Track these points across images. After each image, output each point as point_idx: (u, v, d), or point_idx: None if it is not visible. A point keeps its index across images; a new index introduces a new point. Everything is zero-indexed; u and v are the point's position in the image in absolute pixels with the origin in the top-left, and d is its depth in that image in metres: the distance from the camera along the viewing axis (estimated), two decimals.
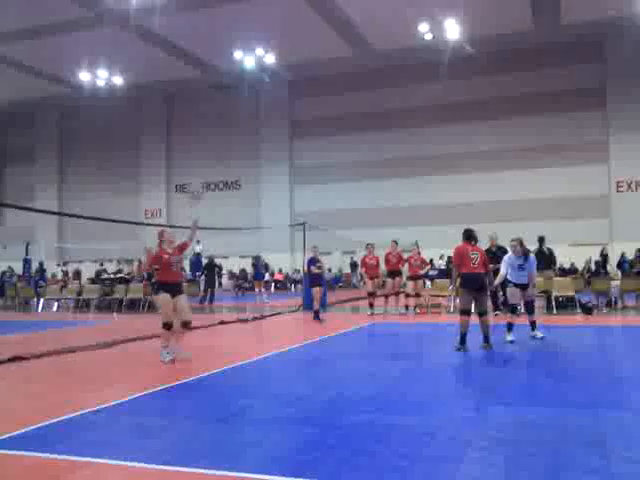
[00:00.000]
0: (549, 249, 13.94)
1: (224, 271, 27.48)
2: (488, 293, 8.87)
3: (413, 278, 13.88)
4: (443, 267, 20.00)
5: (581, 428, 4.31)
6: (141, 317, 15.37)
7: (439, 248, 23.50)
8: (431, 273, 16.30)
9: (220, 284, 25.65)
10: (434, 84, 26.12)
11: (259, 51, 24.91)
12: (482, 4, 20.96)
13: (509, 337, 8.56)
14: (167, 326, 7.44)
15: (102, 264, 24.12)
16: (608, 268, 16.21)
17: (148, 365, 7.62)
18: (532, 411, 4.82)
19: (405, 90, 27.37)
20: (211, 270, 17.78)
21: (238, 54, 25.07)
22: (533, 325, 8.97)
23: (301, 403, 5.29)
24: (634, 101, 24.21)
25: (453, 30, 22.77)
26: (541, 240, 13.76)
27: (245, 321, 12.74)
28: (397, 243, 14.11)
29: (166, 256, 7.54)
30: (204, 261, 18.98)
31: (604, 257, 17.08)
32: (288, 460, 3.80)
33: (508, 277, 8.74)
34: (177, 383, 6.24)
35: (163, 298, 7.46)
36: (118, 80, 28.15)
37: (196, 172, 31.66)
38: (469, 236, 8.21)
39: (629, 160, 24.36)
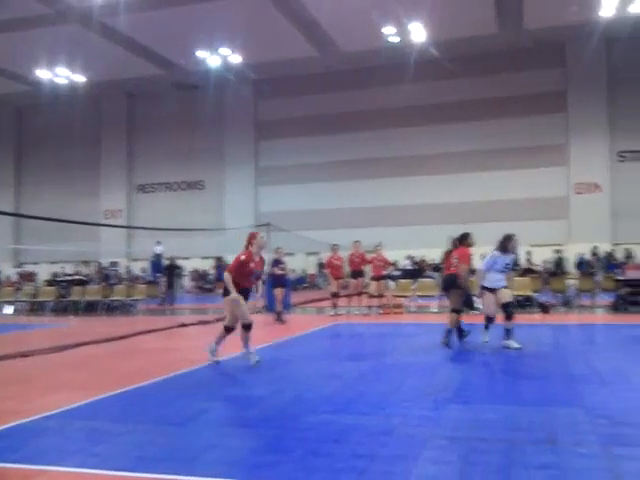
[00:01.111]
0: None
1: (186, 272, 27.18)
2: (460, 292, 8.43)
3: (376, 278, 13.97)
4: (409, 267, 20.16)
5: (534, 425, 4.40)
6: (99, 320, 15.07)
7: (405, 249, 23.72)
8: (394, 274, 16.44)
9: (181, 285, 25.33)
10: (401, 86, 26.24)
11: (224, 51, 24.69)
12: (447, 8, 21.19)
13: (486, 338, 8.36)
14: (248, 327, 7.32)
15: (63, 267, 23.56)
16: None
17: (103, 369, 7.47)
18: (488, 409, 4.89)
19: (371, 92, 27.46)
20: (172, 271, 17.56)
21: (202, 53, 24.82)
22: (509, 332, 8.12)
23: (259, 405, 5.26)
24: (592, 106, 24.85)
25: (419, 33, 22.99)
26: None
27: (206, 323, 12.60)
28: (360, 244, 14.18)
29: (252, 265, 7.23)
30: (165, 262, 18.71)
31: (596, 256, 17.42)
32: (243, 463, 3.77)
33: (483, 282, 8.16)
34: (134, 387, 6.13)
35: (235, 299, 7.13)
36: (79, 78, 27.54)
37: (159, 172, 31.19)
38: (458, 240, 8.48)
39: (587, 163, 24.99)
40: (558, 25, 22.93)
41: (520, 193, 25.55)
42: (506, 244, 8.10)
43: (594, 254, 19.32)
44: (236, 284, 7.10)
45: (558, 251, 17.22)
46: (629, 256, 21.18)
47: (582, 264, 21.17)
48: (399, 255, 22.55)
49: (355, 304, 14.16)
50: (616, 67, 24.38)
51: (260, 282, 8.06)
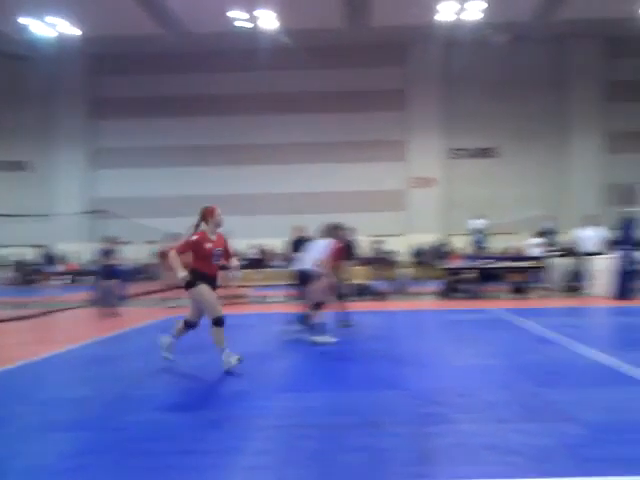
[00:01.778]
0: (352, 240, 14.92)
1: (7, 262, 24.74)
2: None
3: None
4: (253, 257, 20.05)
5: (358, 409, 4.55)
6: None
7: (249, 238, 23.62)
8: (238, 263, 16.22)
9: None
10: (250, 73, 26.01)
11: (54, 20, 22.56)
12: None
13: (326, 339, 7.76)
14: (221, 322, 6.04)
15: None
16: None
17: None
18: (317, 396, 4.98)
19: (220, 76, 26.78)
20: None
21: (29, 21, 22.48)
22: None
23: (79, 406, 4.86)
24: (428, 105, 26.65)
25: (269, 20, 22.86)
26: (344, 231, 14.68)
27: (28, 318, 11.46)
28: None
29: (209, 245, 6.04)
30: None
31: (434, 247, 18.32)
32: (49, 469, 3.43)
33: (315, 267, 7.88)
34: None
35: (205, 288, 6.00)
36: None
37: None
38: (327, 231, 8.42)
39: (424, 159, 26.81)
40: (400, 25, 24.17)
41: (364, 185, 26.71)
42: (335, 233, 8.23)
43: (434, 245, 20.81)
44: (203, 272, 6.04)
45: (379, 242, 18.08)
46: (452, 247, 22.98)
47: (419, 254, 22.68)
48: (243, 244, 22.42)
49: None
50: (451, 69, 26.33)
51: (235, 262, 6.69)
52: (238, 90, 26.71)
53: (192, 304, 6.28)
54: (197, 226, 6.20)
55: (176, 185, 26.82)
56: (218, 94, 26.93)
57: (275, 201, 26.44)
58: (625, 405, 4.51)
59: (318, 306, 7.80)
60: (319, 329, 7.77)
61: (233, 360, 6.00)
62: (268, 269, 16.29)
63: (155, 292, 15.33)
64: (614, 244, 13.77)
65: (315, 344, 7.63)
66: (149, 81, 27.18)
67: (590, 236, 14.27)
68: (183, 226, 17.24)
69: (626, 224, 13.05)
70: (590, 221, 14.62)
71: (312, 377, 5.88)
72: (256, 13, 22.33)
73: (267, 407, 4.68)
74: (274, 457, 3.59)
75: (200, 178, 26.81)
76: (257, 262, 16.18)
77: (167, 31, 24.46)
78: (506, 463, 3.35)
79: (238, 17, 22.68)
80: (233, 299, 14.01)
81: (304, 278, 7.91)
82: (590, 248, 14.11)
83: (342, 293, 9.29)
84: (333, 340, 7.72)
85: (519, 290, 14.17)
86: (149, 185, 26.92)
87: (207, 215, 6.19)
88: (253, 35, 23.63)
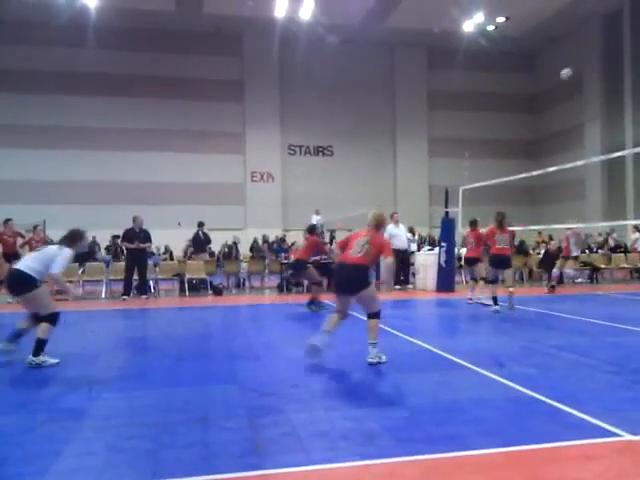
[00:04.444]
0: (205, 233, 14.96)
1: None
2: None
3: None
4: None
5: (188, 405, 4.38)
6: None
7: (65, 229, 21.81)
8: None
9: None
10: (71, 49, 23.87)
11: None
12: None
13: None
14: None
15: None
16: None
17: None
18: (144, 394, 4.73)
19: (35, 50, 24.14)
20: None
21: None
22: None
23: None
24: (266, 99, 26.66)
25: None
26: (200, 225, 14.91)
27: None
28: (13, 223, 12.44)
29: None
30: None
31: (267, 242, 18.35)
32: None
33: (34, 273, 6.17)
34: None
35: None
36: None
37: None
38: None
39: (262, 153, 26.80)
40: (236, 15, 23.93)
41: (200, 177, 25.98)
42: (77, 241, 6.46)
43: (265, 240, 21.00)
44: None
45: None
46: (293, 242, 23.43)
47: (256, 249, 22.60)
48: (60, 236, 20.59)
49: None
50: (288, 66, 26.58)
51: None
52: (55, 66, 24.28)
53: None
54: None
55: None
56: (43, 70, 24.30)
57: (103, 190, 24.60)
58: (441, 388, 4.86)
59: (37, 318, 6.14)
60: (12, 339, 6.13)
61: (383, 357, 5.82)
62: (94, 263, 15.22)
63: None
64: (434, 241, 14.82)
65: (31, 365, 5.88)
66: None
67: (397, 234, 14.20)
68: None
69: (445, 223, 14.16)
70: (397, 219, 14.57)
71: (139, 375, 5.57)
72: None
73: (86, 409, 4.33)
74: (95, 458, 3.33)
75: (13, 161, 23.90)
76: (83, 256, 14.85)
77: None
78: (335, 449, 3.42)
79: None
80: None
81: (17, 282, 6.12)
82: (399, 245, 13.88)
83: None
84: (55, 361, 6.00)
85: None
86: None
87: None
88: (81, 10, 21.88)
